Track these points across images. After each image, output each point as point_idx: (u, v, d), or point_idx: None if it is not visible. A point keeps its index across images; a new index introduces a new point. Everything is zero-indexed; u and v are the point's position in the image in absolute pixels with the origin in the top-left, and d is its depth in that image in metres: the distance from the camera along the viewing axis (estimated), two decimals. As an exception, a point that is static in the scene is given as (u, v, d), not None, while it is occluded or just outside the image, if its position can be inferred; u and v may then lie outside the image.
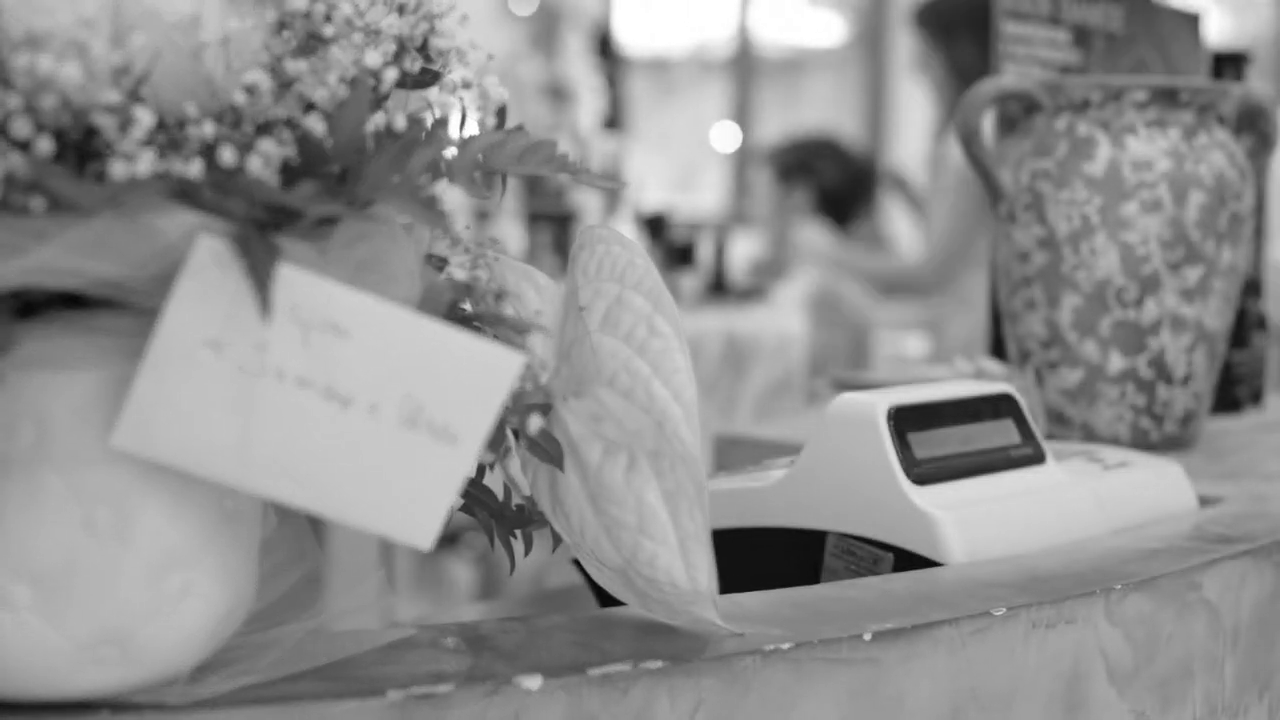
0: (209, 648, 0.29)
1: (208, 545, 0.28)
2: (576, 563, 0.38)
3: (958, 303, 1.59)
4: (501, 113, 0.34)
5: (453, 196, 0.30)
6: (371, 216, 0.29)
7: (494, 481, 0.34)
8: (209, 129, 0.27)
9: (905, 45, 3.49)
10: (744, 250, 2.59)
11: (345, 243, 0.28)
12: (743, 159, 3.49)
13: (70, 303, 0.28)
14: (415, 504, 0.28)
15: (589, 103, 3.25)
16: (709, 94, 3.85)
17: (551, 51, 3.08)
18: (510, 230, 1.66)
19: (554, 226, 1.55)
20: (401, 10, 0.32)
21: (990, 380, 0.54)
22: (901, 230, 2.56)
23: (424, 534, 0.28)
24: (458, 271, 0.32)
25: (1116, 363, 0.62)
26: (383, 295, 0.28)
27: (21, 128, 0.26)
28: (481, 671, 0.30)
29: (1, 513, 0.27)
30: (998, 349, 0.71)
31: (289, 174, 0.28)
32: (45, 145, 0.26)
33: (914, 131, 3.18)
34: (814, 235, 1.70)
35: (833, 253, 1.67)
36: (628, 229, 2.78)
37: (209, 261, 0.27)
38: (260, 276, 0.27)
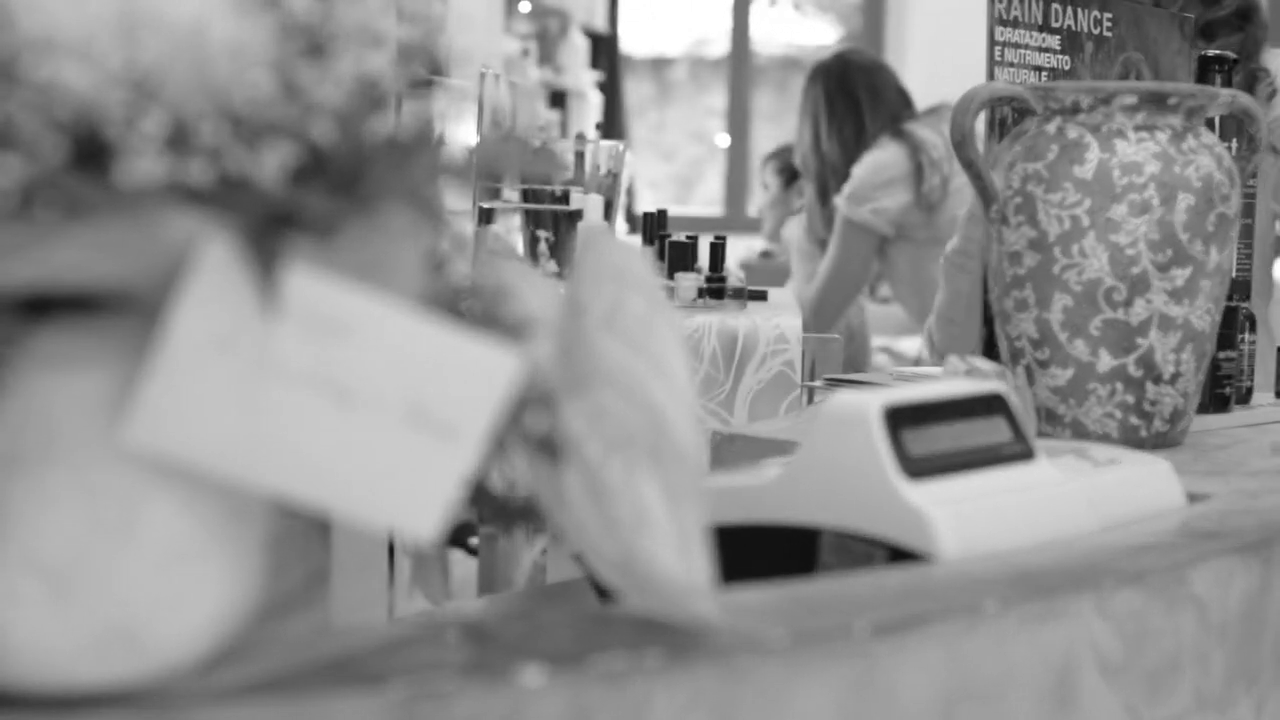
0: (216, 642, 0.29)
1: (214, 540, 0.29)
2: (577, 558, 0.38)
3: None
4: (502, 115, 0.34)
5: (454, 198, 0.31)
6: (376, 218, 0.29)
7: (496, 478, 0.35)
8: (217, 132, 0.28)
9: (898, 45, 3.50)
10: (742, 251, 2.59)
11: (350, 244, 0.29)
12: (741, 159, 3.50)
13: (77, 302, 0.28)
14: (418, 501, 0.29)
15: (589, 104, 3.25)
16: (707, 95, 3.85)
17: (552, 54, 3.09)
18: (510, 230, 1.66)
19: (554, 226, 1.56)
20: (405, 16, 0.32)
21: (982, 379, 0.55)
22: None
23: (427, 530, 0.29)
24: (459, 272, 0.32)
25: (1106, 362, 0.63)
26: (387, 295, 0.29)
27: (33, 131, 0.27)
28: (482, 665, 0.30)
29: (11, 509, 0.27)
30: (989, 348, 0.72)
31: (295, 176, 0.29)
32: (56, 148, 0.27)
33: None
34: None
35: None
36: (626, 229, 2.78)
37: (217, 262, 0.28)
38: (267, 276, 0.28)
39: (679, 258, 1.60)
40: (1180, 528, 0.48)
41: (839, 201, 1.70)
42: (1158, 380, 0.63)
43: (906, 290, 1.75)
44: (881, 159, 1.68)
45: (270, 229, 0.28)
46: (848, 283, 1.72)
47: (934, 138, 1.68)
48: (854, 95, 1.72)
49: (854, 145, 1.71)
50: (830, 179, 1.74)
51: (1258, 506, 0.52)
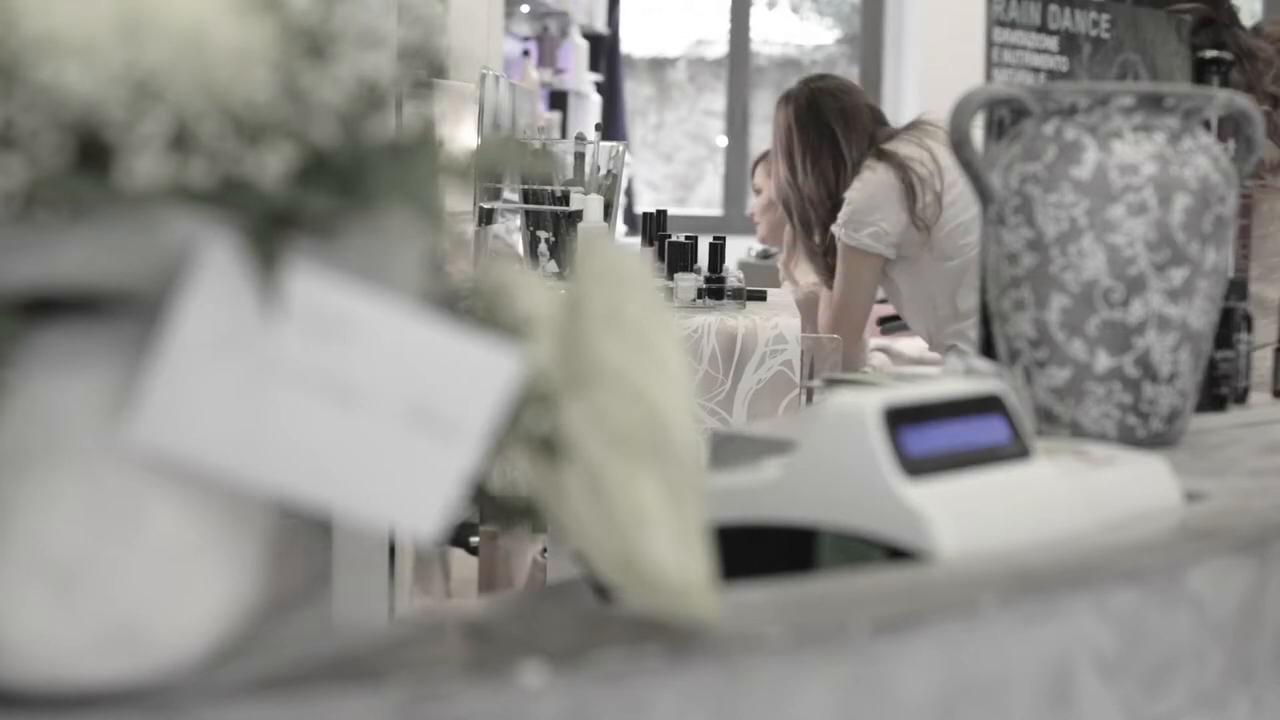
0: (218, 639, 0.29)
1: (216, 539, 0.29)
2: (577, 558, 0.39)
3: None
4: (502, 116, 0.34)
5: (454, 198, 0.31)
6: (376, 218, 0.30)
7: (496, 478, 0.35)
8: (219, 133, 0.28)
9: (896, 47, 3.49)
10: (741, 251, 2.59)
11: (351, 244, 0.29)
12: (740, 160, 3.50)
13: (81, 303, 0.29)
14: (419, 499, 0.29)
15: (588, 105, 3.25)
16: (706, 96, 3.85)
17: (552, 55, 3.09)
18: (510, 231, 1.66)
19: (554, 227, 1.56)
20: (405, 17, 0.32)
21: (980, 379, 0.55)
22: None
23: (428, 528, 0.29)
24: (460, 271, 0.32)
25: (1103, 361, 0.63)
26: (387, 295, 0.29)
27: (35, 133, 0.27)
28: (483, 664, 0.31)
29: (16, 509, 0.27)
30: (987, 348, 0.72)
31: (296, 177, 0.29)
32: (59, 150, 0.27)
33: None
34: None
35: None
36: (626, 229, 2.78)
37: (219, 262, 0.28)
38: (269, 276, 0.28)
39: (678, 258, 1.60)
40: (1177, 527, 0.48)
41: (837, 230, 1.68)
42: (1155, 380, 0.63)
43: (912, 310, 1.74)
44: (872, 181, 1.67)
45: (272, 229, 0.28)
46: (857, 308, 1.71)
47: (919, 153, 1.66)
48: (826, 124, 1.69)
49: (833, 175, 1.69)
50: (811, 212, 1.72)
51: (1254, 506, 0.52)
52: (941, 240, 1.67)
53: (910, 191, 1.65)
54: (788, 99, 1.75)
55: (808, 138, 1.71)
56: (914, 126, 1.72)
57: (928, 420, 0.45)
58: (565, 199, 1.57)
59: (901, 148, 1.68)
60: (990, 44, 0.72)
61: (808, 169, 1.71)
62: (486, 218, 1.58)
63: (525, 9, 2.91)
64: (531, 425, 0.31)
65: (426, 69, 0.32)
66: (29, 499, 0.28)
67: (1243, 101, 0.66)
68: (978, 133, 0.68)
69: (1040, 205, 0.63)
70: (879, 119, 1.75)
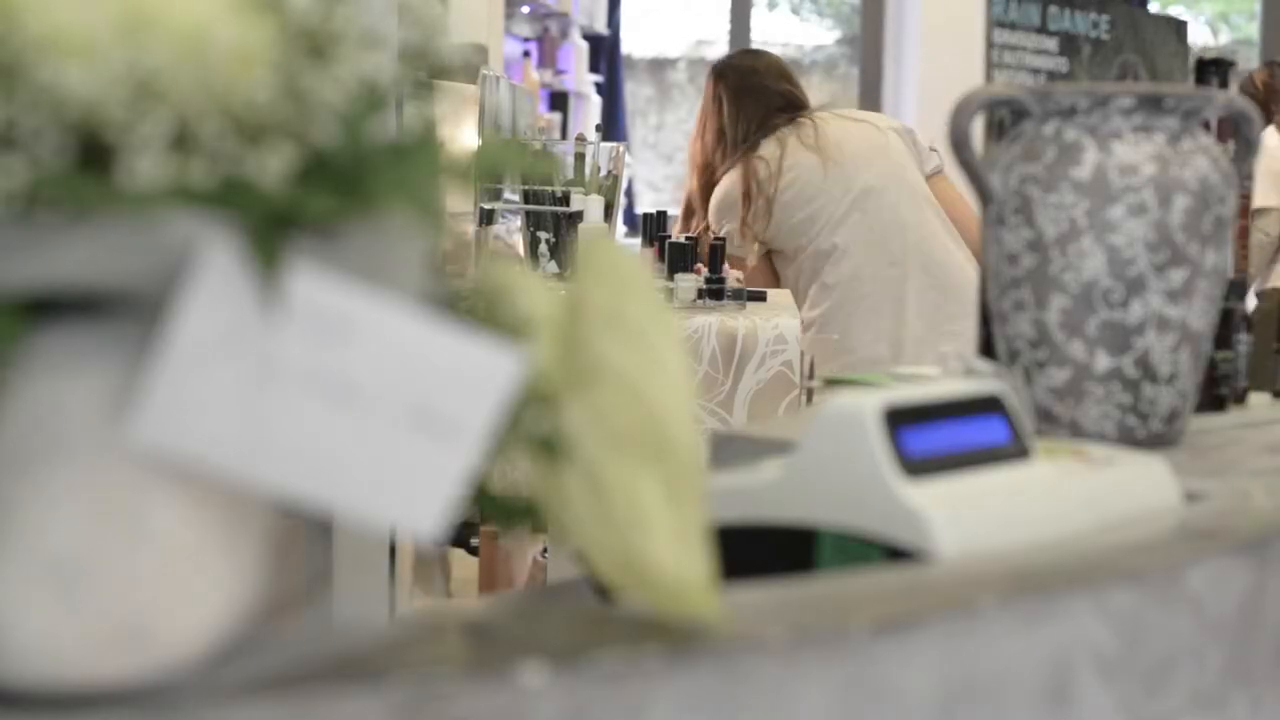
0: (220, 639, 0.30)
1: (219, 538, 0.29)
2: (577, 558, 0.39)
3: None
4: (502, 117, 0.35)
5: (455, 199, 0.31)
6: (377, 218, 0.30)
7: (496, 478, 0.35)
8: (219, 133, 0.28)
9: (896, 48, 3.50)
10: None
11: (352, 244, 0.29)
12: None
13: (82, 304, 0.29)
14: (420, 499, 0.29)
15: (589, 106, 3.26)
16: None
17: (552, 56, 3.09)
18: (510, 231, 1.67)
19: (554, 227, 1.56)
20: (405, 18, 0.33)
21: (980, 379, 0.55)
22: None
23: (429, 528, 0.29)
24: (461, 272, 0.32)
25: (1103, 362, 0.63)
26: (388, 295, 0.29)
27: (38, 134, 0.27)
28: (483, 664, 0.31)
29: (17, 509, 0.28)
30: (987, 349, 0.73)
31: (297, 177, 0.29)
32: (60, 150, 0.27)
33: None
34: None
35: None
36: (626, 229, 2.78)
37: (220, 262, 0.28)
38: (269, 276, 0.28)
39: (679, 259, 1.60)
40: (1177, 527, 0.48)
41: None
42: (1154, 380, 0.63)
43: None
44: (724, 184, 1.68)
45: (273, 230, 0.28)
46: (771, 272, 1.71)
47: (771, 151, 1.64)
48: (720, 98, 1.69)
49: (713, 149, 1.70)
50: (697, 180, 1.73)
51: (1254, 506, 0.52)
52: (781, 240, 1.67)
53: (746, 198, 1.66)
54: (713, 66, 1.76)
55: (706, 106, 1.72)
56: (793, 119, 1.69)
57: (928, 420, 0.45)
58: (565, 200, 1.57)
59: (764, 145, 1.67)
60: (990, 45, 0.72)
61: (698, 138, 1.72)
62: (487, 218, 1.58)
63: (526, 10, 2.92)
64: (532, 425, 0.32)
65: (435, 70, 0.32)
66: (31, 499, 0.28)
67: (1242, 102, 0.66)
68: (977, 134, 0.68)
69: (1040, 206, 0.63)
70: (787, 104, 1.70)
